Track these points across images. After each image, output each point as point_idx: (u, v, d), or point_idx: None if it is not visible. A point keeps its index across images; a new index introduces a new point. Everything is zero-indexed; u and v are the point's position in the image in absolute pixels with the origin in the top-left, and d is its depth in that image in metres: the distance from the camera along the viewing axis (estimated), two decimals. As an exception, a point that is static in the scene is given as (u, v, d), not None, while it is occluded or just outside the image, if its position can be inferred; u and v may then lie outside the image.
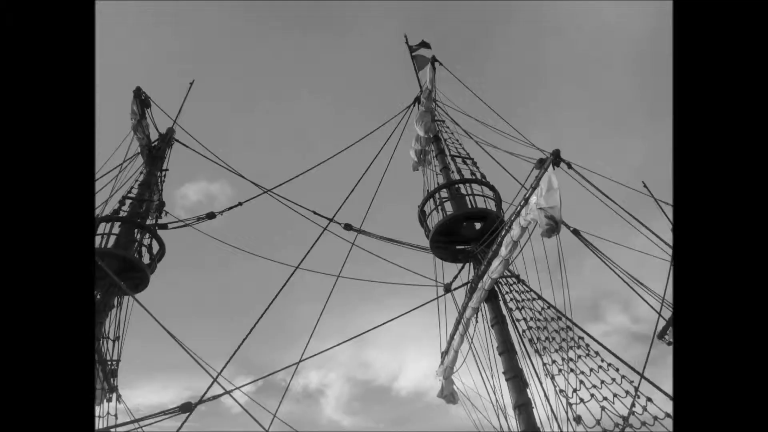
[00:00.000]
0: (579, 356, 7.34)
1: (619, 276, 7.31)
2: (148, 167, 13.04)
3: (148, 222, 11.41)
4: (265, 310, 6.92)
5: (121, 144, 13.04)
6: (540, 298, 8.77)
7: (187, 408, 6.67)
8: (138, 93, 12.99)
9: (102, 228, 10.36)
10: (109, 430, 7.40)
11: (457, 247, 10.81)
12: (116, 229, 10.49)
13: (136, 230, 10.83)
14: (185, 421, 6.30)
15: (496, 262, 8.71)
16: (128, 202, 11.50)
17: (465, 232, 10.61)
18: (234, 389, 6.00)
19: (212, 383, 5.89)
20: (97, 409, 8.52)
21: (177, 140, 14.08)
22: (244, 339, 5.99)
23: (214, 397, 6.62)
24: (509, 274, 9.37)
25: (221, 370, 5.55)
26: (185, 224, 12.00)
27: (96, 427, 7.84)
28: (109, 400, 8.82)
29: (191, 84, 15.60)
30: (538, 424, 7.61)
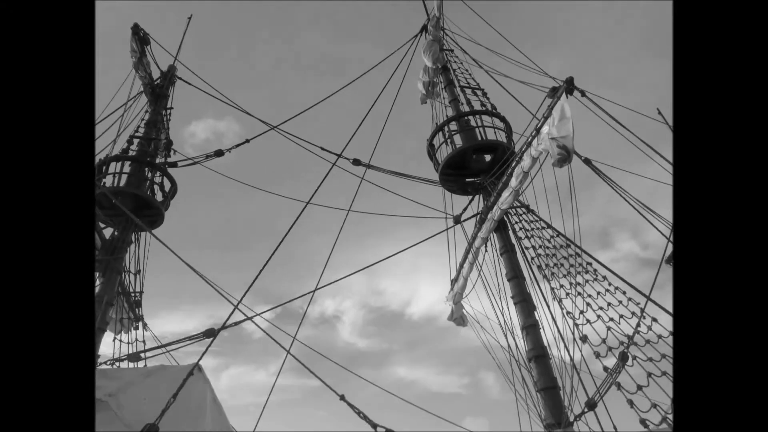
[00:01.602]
0: (587, 281, 7.55)
1: (629, 203, 7.37)
2: (152, 106, 12.93)
3: (158, 161, 11.48)
4: (280, 242, 7.07)
5: (124, 83, 12.88)
6: (549, 227, 8.89)
7: (210, 333, 7.04)
8: (136, 30, 12.63)
9: (113, 167, 10.47)
10: (139, 354, 7.87)
11: (467, 179, 10.84)
12: (127, 169, 10.60)
13: (146, 169, 10.95)
14: (209, 345, 6.62)
15: (505, 194, 8.77)
16: (136, 141, 11.54)
17: (475, 165, 10.59)
18: (255, 315, 6.28)
19: (233, 310, 6.14)
20: (125, 336, 9.03)
21: (179, 77, 13.85)
22: (262, 268, 6.19)
23: (236, 323, 6.92)
24: (519, 204, 9.45)
25: (242, 297, 5.78)
26: (194, 162, 12.05)
27: (127, 352, 8.34)
28: (136, 328, 9.31)
29: (189, 19, 15.13)
30: (545, 344, 7.99)
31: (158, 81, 13.50)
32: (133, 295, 9.44)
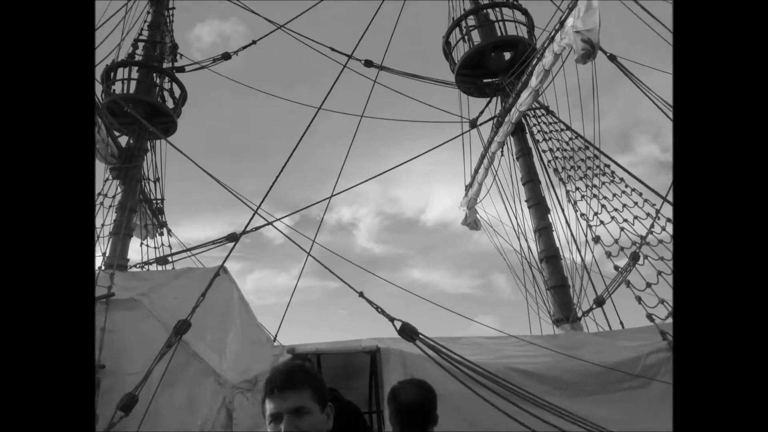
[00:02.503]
0: (603, 183, 7.49)
1: (652, 101, 7.05)
2: (153, 6, 12.31)
3: (165, 66, 11.18)
4: (294, 148, 6.99)
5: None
6: (568, 128, 8.66)
7: (232, 238, 7.30)
8: None
9: (120, 73, 10.26)
10: (166, 258, 8.27)
11: (485, 80, 10.41)
12: (134, 75, 10.39)
13: (154, 74, 10.71)
14: (232, 249, 6.84)
15: (525, 94, 8.45)
16: (141, 45, 11.18)
17: (493, 64, 10.10)
18: (275, 220, 6.42)
19: (253, 215, 6.25)
20: (151, 242, 9.45)
21: (176, -28, 13.00)
22: (279, 173, 6.20)
23: (257, 228, 7.09)
24: (538, 105, 9.14)
25: (261, 202, 5.86)
26: (202, 66, 11.72)
27: (155, 256, 8.76)
28: (161, 234, 9.70)
29: None
30: (557, 246, 8.16)
31: (157, -23, 12.73)
32: (155, 202, 9.70)
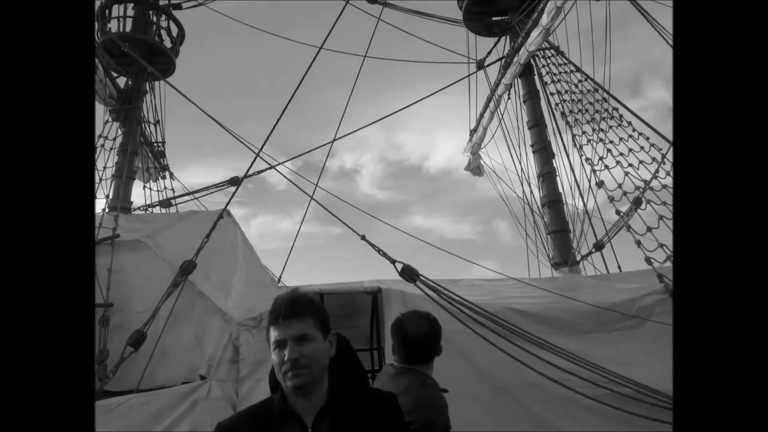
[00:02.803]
0: (610, 127, 7.35)
1: (667, 42, 6.78)
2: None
3: (161, 2, 10.75)
4: (296, 89, 6.81)
5: None
6: (578, 70, 8.39)
7: (235, 182, 7.30)
8: None
9: (116, 11, 9.90)
10: (170, 201, 8.31)
11: (493, 18, 9.98)
12: (130, 13, 10.02)
13: (150, 12, 10.32)
14: (235, 192, 6.85)
15: (535, 33, 8.12)
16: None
17: (503, 1, 9.65)
18: (278, 164, 6.36)
19: (255, 158, 6.19)
20: (154, 185, 9.46)
21: None
22: (280, 115, 6.09)
23: (259, 172, 7.05)
24: (548, 46, 8.81)
25: (263, 145, 5.79)
26: (199, 3, 11.26)
27: (158, 200, 8.80)
28: (163, 177, 9.69)
29: None
30: (560, 191, 8.13)
31: None
32: (156, 145, 9.63)
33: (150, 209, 8.57)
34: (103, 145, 7.97)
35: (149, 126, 9.46)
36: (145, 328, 4.42)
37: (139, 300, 5.04)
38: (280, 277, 7.52)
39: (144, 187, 9.32)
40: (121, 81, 9.58)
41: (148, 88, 9.61)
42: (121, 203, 7.62)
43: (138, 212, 8.30)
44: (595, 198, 7.63)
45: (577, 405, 3.88)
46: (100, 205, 6.98)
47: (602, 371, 3.85)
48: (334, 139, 8.56)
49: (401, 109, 8.27)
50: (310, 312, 1.72)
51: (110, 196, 7.70)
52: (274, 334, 1.68)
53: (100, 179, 7.53)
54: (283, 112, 6.34)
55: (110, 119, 8.55)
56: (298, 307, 1.71)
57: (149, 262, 5.30)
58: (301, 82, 6.80)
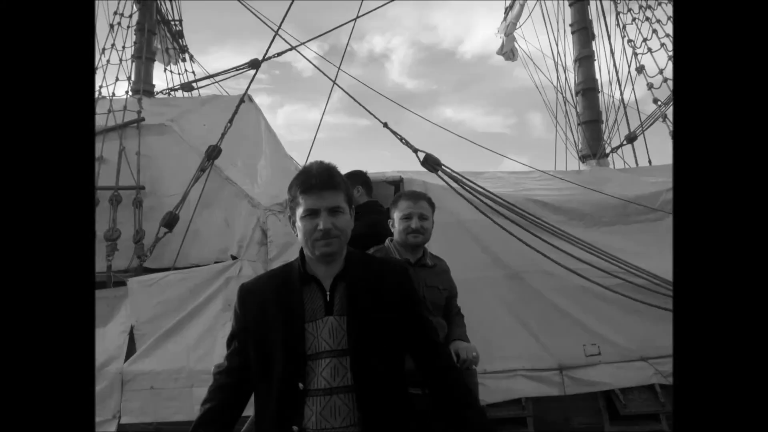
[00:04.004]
0: (660, 2, 6.63)
1: None
2: None
3: None
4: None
5: None
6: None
7: (254, 64, 7.03)
8: None
9: None
10: (191, 84, 8.16)
11: None
12: None
13: None
14: (255, 75, 6.61)
15: None
16: None
17: None
18: (299, 44, 6.05)
19: (274, 37, 5.85)
20: (174, 68, 9.24)
21: None
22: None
23: (279, 54, 6.74)
24: None
25: (281, 22, 5.43)
26: None
27: (180, 83, 8.66)
28: (183, 60, 9.43)
29: None
30: (597, 77, 7.64)
31: None
32: (173, 23, 9.23)
33: (172, 93, 8.47)
34: (119, 23, 7.68)
35: (165, 2, 9.00)
36: (177, 210, 4.62)
37: (168, 183, 5.21)
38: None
39: (165, 69, 9.13)
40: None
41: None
42: (143, 86, 7.53)
43: (160, 96, 8.23)
44: (633, 85, 7.17)
45: (590, 293, 4.02)
46: (123, 87, 6.92)
47: (618, 261, 3.91)
48: (357, 16, 8.01)
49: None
50: (342, 185, 1.79)
51: (132, 78, 7.60)
52: (307, 202, 1.73)
53: (120, 60, 7.37)
54: (302, -13, 5.88)
55: (124, -6, 8.12)
56: (333, 181, 1.76)
57: (175, 146, 5.37)
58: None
